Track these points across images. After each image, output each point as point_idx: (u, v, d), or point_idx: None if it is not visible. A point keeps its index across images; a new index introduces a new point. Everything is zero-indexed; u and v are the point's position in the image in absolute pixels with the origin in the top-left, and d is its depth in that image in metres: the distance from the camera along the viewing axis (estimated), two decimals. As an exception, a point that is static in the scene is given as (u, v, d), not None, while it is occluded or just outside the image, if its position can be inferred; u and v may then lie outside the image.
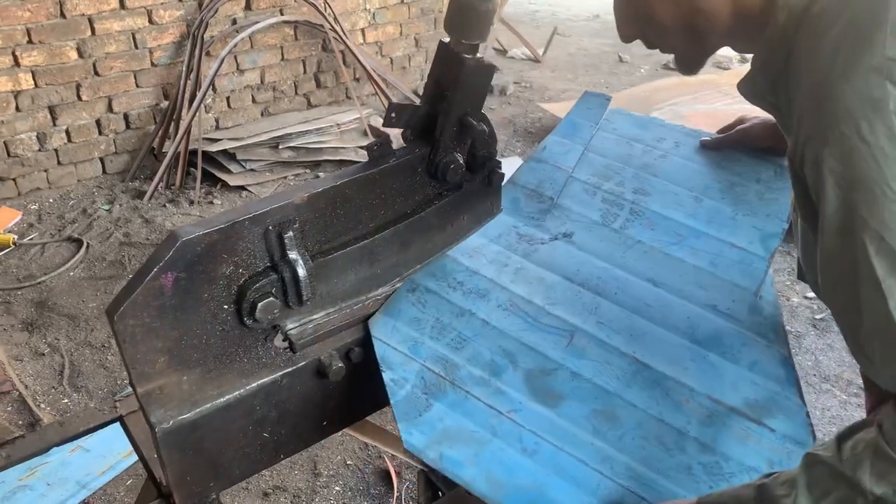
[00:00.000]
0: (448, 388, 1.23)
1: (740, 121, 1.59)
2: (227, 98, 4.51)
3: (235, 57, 4.41)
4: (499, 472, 1.12)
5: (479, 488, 1.10)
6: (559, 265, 1.43)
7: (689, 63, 1.16)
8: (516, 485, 1.10)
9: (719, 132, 1.63)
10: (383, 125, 1.29)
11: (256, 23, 4.32)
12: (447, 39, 1.25)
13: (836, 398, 2.66)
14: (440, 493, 1.73)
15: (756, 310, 1.34)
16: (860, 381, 2.59)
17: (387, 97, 4.76)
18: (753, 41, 1.05)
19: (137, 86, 4.19)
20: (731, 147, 1.59)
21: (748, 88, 1.12)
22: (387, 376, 1.23)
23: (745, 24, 1.04)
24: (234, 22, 4.36)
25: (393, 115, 1.28)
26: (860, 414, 2.51)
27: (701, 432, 1.16)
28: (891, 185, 0.81)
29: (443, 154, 1.29)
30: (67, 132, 4.07)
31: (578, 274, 1.41)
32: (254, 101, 4.63)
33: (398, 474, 2.32)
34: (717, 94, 4.78)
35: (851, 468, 0.87)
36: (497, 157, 1.42)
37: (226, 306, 1.12)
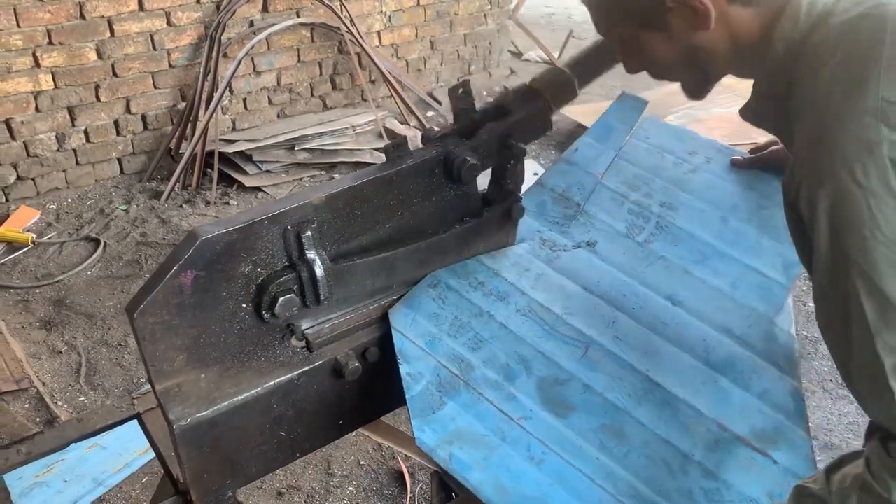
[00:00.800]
0: (462, 387, 1.23)
1: (773, 141, 1.58)
2: (244, 99, 4.53)
3: (252, 59, 4.43)
4: (506, 479, 1.12)
5: (486, 493, 1.10)
6: (580, 274, 1.43)
7: (695, 92, 1.18)
8: (522, 494, 1.11)
9: (751, 152, 1.61)
10: (450, 91, 1.33)
11: (273, 25, 4.35)
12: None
13: (852, 404, 2.64)
14: (454, 494, 1.73)
15: (771, 337, 1.33)
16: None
17: (402, 99, 4.77)
18: (754, 68, 1.07)
19: (155, 87, 4.22)
20: (762, 167, 1.58)
21: (750, 113, 1.14)
22: (404, 369, 1.23)
23: (745, 54, 1.06)
24: (252, 24, 4.38)
25: (461, 90, 1.32)
26: (877, 420, 2.49)
27: (706, 457, 1.16)
28: (881, 228, 0.83)
29: (470, 148, 1.30)
30: (86, 132, 4.10)
31: (599, 285, 1.41)
32: (270, 102, 4.65)
33: (411, 475, 2.32)
34: (735, 98, 4.74)
35: (839, 502, 0.89)
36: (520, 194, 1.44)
37: (244, 305, 1.12)
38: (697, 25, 1.01)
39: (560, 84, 1.38)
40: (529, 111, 1.35)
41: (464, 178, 1.30)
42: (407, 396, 1.20)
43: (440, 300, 1.35)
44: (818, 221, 0.89)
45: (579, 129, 4.65)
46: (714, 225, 1.50)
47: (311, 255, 1.15)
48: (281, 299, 1.12)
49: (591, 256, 1.47)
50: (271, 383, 1.19)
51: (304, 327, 1.22)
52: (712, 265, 1.44)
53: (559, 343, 1.31)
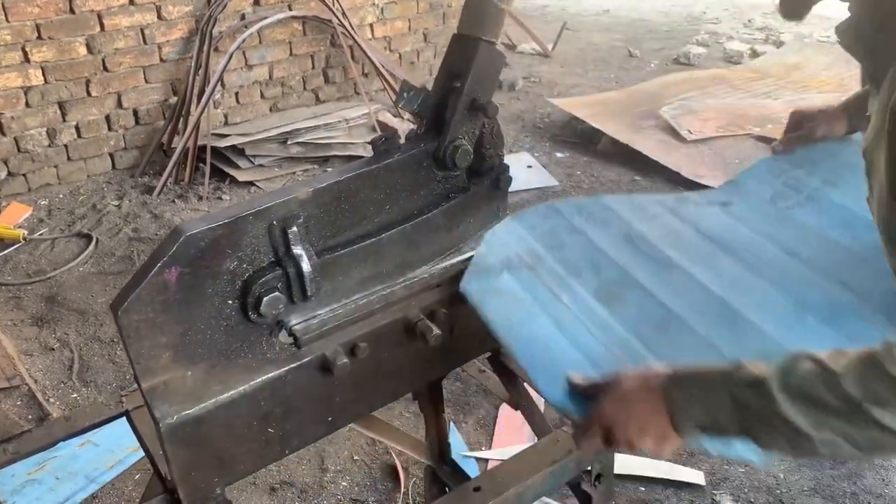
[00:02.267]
0: (525, 270, 1.28)
1: (801, 115, 1.54)
2: (236, 93, 4.51)
3: (244, 52, 4.41)
4: (518, 317, 1.17)
5: (497, 321, 1.15)
6: (712, 230, 1.38)
7: (793, 7, 1.12)
8: (530, 333, 1.14)
9: (787, 131, 1.57)
10: (395, 103, 1.31)
11: (265, 18, 4.32)
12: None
13: None
14: (447, 488, 1.72)
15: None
16: None
17: (395, 92, 4.74)
18: None
19: (146, 81, 4.20)
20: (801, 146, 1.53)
21: (847, 31, 1.04)
22: (482, 249, 1.31)
23: None
24: (243, 17, 4.36)
25: (405, 94, 1.30)
26: None
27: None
28: None
29: (451, 138, 1.28)
30: (77, 128, 4.08)
31: (722, 236, 1.36)
32: (262, 96, 4.63)
33: (405, 470, 2.31)
34: (728, 89, 4.74)
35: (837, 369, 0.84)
36: (504, 159, 1.40)
37: (230, 301, 1.11)
38: None
39: (484, 14, 1.30)
40: (475, 63, 1.28)
41: (458, 162, 1.29)
42: (471, 263, 1.27)
43: (541, 216, 1.41)
44: None
45: (574, 121, 4.64)
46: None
47: (297, 250, 1.13)
48: (265, 298, 1.10)
49: (727, 218, 1.42)
50: (258, 380, 1.18)
51: (291, 323, 1.21)
52: (855, 233, 1.29)
53: (644, 259, 1.29)
